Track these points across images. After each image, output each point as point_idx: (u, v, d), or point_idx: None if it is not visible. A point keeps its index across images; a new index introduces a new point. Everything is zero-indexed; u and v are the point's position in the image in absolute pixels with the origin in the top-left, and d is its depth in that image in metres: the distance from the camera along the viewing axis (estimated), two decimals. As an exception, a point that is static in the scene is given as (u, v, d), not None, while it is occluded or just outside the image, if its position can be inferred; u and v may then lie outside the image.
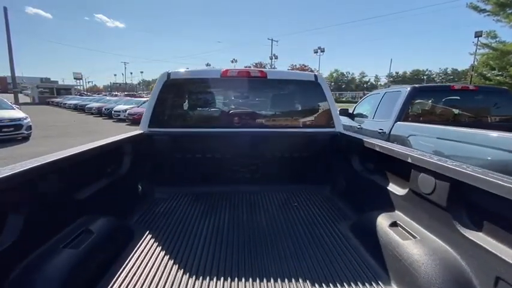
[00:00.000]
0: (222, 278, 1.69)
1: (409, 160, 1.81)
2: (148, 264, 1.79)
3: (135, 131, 2.93)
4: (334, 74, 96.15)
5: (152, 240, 2.10)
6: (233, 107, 3.50)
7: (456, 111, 4.88)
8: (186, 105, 3.31)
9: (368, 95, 7.56)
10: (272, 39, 51.22)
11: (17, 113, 10.82)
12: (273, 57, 49.35)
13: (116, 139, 2.38)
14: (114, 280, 1.61)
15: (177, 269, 1.76)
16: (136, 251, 1.94)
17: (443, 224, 1.55)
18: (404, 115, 4.75)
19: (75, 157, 1.79)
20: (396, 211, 2.00)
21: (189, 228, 2.31)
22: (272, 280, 1.69)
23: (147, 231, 2.23)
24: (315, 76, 3.20)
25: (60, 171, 1.63)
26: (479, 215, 1.37)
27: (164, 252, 1.95)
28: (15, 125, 10.16)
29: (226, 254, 1.94)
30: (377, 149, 2.23)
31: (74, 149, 1.87)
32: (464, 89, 5.02)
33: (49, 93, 41.91)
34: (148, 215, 2.55)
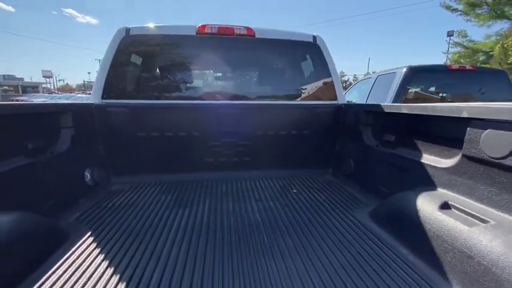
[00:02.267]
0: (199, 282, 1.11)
1: (465, 114, 1.28)
2: (83, 276, 1.12)
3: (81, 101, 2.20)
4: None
5: (95, 243, 1.41)
6: (214, 73, 2.83)
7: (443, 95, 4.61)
8: (152, 71, 2.59)
9: (358, 80, 7.19)
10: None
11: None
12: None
13: (43, 103, 1.66)
14: None
15: (121, 276, 1.12)
16: (66, 260, 1.25)
17: None
18: (400, 99, 4.36)
19: None
20: (441, 189, 1.47)
21: (154, 223, 1.64)
22: (274, 280, 1.14)
23: (90, 232, 1.54)
24: (314, 37, 2.63)
25: None
26: None
27: (107, 256, 1.28)
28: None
29: (206, 251, 1.31)
30: (405, 111, 1.70)
31: None
32: (461, 69, 4.72)
33: (13, 91, 38.75)
34: (97, 210, 1.85)
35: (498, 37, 17.58)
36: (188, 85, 2.60)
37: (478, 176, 1.26)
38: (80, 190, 2.00)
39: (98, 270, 1.20)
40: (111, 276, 1.16)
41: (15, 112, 1.47)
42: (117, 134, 2.32)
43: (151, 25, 2.42)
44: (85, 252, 1.33)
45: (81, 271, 1.19)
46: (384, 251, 1.37)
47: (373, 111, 2.19)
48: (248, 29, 2.48)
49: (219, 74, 3.03)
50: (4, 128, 1.42)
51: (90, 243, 1.41)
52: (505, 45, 14.22)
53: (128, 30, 2.35)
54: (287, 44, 2.61)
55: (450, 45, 23.20)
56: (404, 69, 4.56)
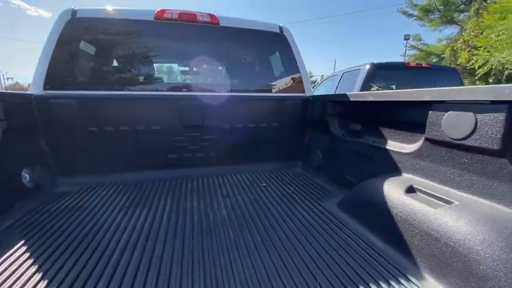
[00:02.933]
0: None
1: (427, 98, 1.29)
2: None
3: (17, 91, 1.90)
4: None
5: (29, 253, 1.19)
6: (175, 63, 2.64)
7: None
8: (105, 58, 2.33)
9: (325, 78, 7.38)
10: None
11: None
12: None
13: None
14: None
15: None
16: None
17: (495, 177, 1.04)
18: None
19: None
20: (406, 174, 1.47)
21: (105, 227, 1.45)
22: (240, 278, 1.04)
23: (23, 241, 1.30)
24: (280, 28, 2.57)
25: None
26: None
27: (42, 267, 1.08)
28: None
29: (163, 256, 1.16)
30: (371, 99, 1.69)
31: None
32: (418, 66, 5.04)
33: None
34: (36, 215, 1.59)
35: (448, 41, 19.31)
36: (146, 75, 2.39)
37: (440, 159, 1.27)
38: (15, 193, 1.72)
39: (29, 283, 1.00)
40: (48, 285, 0.97)
41: None
42: (64, 128, 2.05)
43: (103, 8, 2.18)
44: (15, 264, 1.11)
45: (7, 286, 0.98)
46: (353, 239, 1.33)
47: (339, 101, 2.19)
48: (212, 16, 2.34)
49: (181, 64, 2.84)
50: None
51: (22, 254, 1.19)
52: (455, 48, 15.61)
53: (74, 12, 2.09)
54: (253, 33, 2.51)
55: (407, 48, 25.00)
56: (368, 66, 4.76)
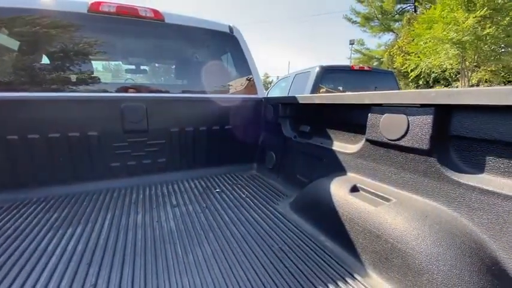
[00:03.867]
0: None
1: (367, 101, 1.36)
2: None
3: None
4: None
5: None
6: (114, 61, 2.39)
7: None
8: (28, 54, 1.99)
9: (279, 79, 7.56)
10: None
11: None
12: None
13: None
14: None
15: None
16: None
17: (425, 175, 1.13)
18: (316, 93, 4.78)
19: None
20: (350, 173, 1.54)
21: (26, 253, 1.22)
22: None
23: None
24: (230, 28, 2.51)
25: None
26: (481, 148, 0.99)
27: None
28: None
29: (98, 278, 1.01)
30: (317, 102, 1.75)
31: None
32: (361, 69, 5.48)
33: None
34: None
35: (386, 46, 21.51)
36: (80, 74, 2.12)
37: (379, 158, 1.35)
38: None
39: None
40: None
41: None
42: None
43: None
44: None
45: None
46: (304, 241, 1.35)
47: (290, 103, 2.23)
48: (156, 12, 2.18)
49: (124, 62, 2.60)
50: None
51: None
52: (391, 53, 17.44)
53: None
54: (202, 32, 2.41)
55: (352, 52, 27.18)
56: (317, 69, 5.01)
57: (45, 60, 2.07)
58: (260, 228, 1.49)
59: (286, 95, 5.55)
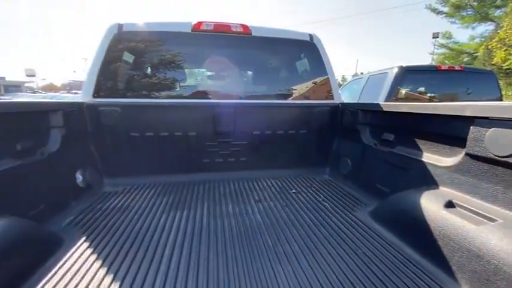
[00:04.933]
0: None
1: (468, 113, 1.28)
2: (73, 282, 1.06)
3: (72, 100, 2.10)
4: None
5: (90, 249, 1.34)
6: (209, 72, 2.76)
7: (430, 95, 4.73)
8: (145, 69, 2.50)
9: (349, 81, 7.27)
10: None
11: None
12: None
13: (34, 101, 1.57)
14: None
15: (121, 284, 1.05)
16: (58, 268, 1.18)
17: None
18: (391, 99, 4.43)
19: None
20: (443, 188, 1.47)
21: (152, 226, 1.58)
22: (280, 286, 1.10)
23: (84, 237, 1.46)
24: (310, 36, 2.61)
25: None
26: None
27: (104, 264, 1.22)
28: None
29: (209, 256, 1.26)
30: (405, 110, 1.70)
31: None
32: (450, 69, 4.84)
33: (-6, 91, 37.43)
34: (90, 213, 1.76)
35: (482, 39, 18.17)
36: (183, 84, 2.53)
37: (482, 175, 1.26)
38: (71, 192, 1.91)
39: (96, 278, 1.13)
40: (111, 284, 1.10)
41: (2, 111, 1.37)
42: (110, 133, 2.23)
43: (145, 21, 2.34)
44: (80, 260, 1.26)
45: (77, 279, 1.12)
46: (388, 251, 1.36)
47: (371, 110, 2.19)
48: (244, 26, 2.43)
49: (215, 73, 2.96)
50: None
51: (85, 250, 1.34)
52: (489, 47, 14.69)
53: (120, 26, 2.26)
54: (283, 42, 2.58)
55: (436, 47, 23.85)
56: (396, 70, 4.63)
57: (158, 72, 2.54)
58: (341, 232, 1.55)
59: (358, 99, 5.33)
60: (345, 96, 6.27)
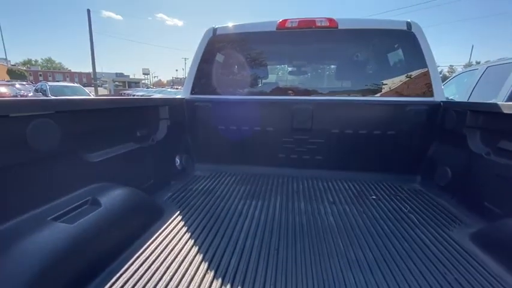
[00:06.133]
0: (269, 279, 1.13)
1: None
2: (173, 251, 1.31)
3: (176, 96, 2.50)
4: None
5: (183, 222, 1.61)
6: (292, 69, 2.79)
7: None
8: (234, 68, 2.74)
9: (457, 73, 6.03)
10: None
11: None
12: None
13: (149, 98, 1.96)
14: (121, 271, 1.14)
15: (208, 260, 1.25)
16: (160, 234, 1.47)
17: None
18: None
19: (88, 104, 1.37)
20: None
21: (231, 211, 1.77)
22: None
23: (179, 211, 1.76)
24: (408, 24, 2.30)
25: (61, 118, 1.21)
26: None
27: (194, 238, 1.44)
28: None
29: (279, 247, 1.32)
30: None
31: (92, 97, 1.47)
32: None
33: (122, 86, 47.98)
34: (184, 192, 2.10)
35: None
36: (265, 81, 2.65)
37: None
38: (171, 173, 2.31)
39: (185, 247, 1.36)
40: (196, 253, 1.30)
41: (130, 106, 1.77)
42: (201, 125, 2.57)
43: (234, 24, 2.55)
44: (176, 229, 1.53)
45: (174, 243, 1.37)
46: (489, 281, 1.12)
47: (486, 111, 1.79)
48: (331, 20, 2.34)
49: (299, 69, 2.97)
50: (123, 116, 1.74)
51: (179, 222, 1.62)
52: None
53: (215, 30, 2.54)
54: (376, 33, 2.36)
55: None
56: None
57: (246, 71, 2.74)
58: (428, 249, 1.36)
59: (469, 96, 4.39)
60: (450, 92, 5.25)
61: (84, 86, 16.39)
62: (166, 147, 2.21)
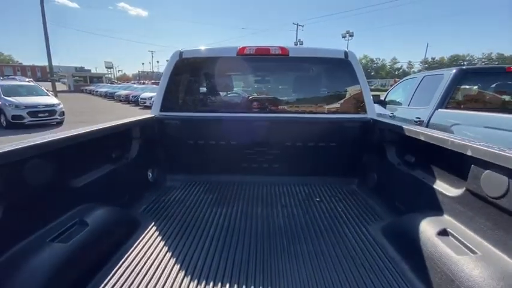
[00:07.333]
0: (228, 276, 1.49)
1: (469, 153, 1.41)
2: (151, 258, 1.62)
3: (146, 115, 2.74)
4: (363, 61, 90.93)
5: (158, 232, 1.91)
6: (250, 89, 3.16)
7: (507, 97, 4.26)
8: (199, 88, 3.04)
9: (403, 79, 6.85)
10: (297, 24, 49.06)
11: (51, 99, 11.40)
12: (298, 42, 47.25)
13: (122, 122, 2.20)
14: (108, 277, 1.43)
15: (180, 264, 1.57)
16: (138, 244, 1.76)
17: None
18: (447, 102, 4.18)
19: (70, 140, 1.61)
20: (445, 216, 1.61)
21: (199, 219, 2.11)
22: (285, 281, 1.46)
23: (154, 222, 2.05)
24: (345, 53, 2.76)
25: (50, 156, 1.45)
26: None
27: (168, 246, 1.76)
28: (50, 110, 10.70)
29: (236, 250, 1.70)
30: (422, 138, 1.82)
31: (71, 131, 1.70)
32: (521, 71, 4.26)
33: (83, 82, 44.55)
34: (157, 203, 2.38)
35: None
36: (228, 100, 2.99)
37: (477, 210, 1.39)
38: (144, 186, 2.57)
39: (161, 253, 1.68)
40: (170, 257, 1.62)
41: (106, 133, 2.00)
42: (172, 140, 2.84)
43: (199, 48, 2.83)
44: (152, 238, 1.83)
45: (151, 250, 1.68)
46: (385, 265, 1.60)
47: (396, 131, 2.30)
48: (282, 48, 2.73)
49: (256, 90, 3.35)
50: (98, 143, 1.97)
51: (155, 231, 1.92)
52: None
53: (181, 53, 2.80)
54: (320, 61, 2.80)
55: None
56: (454, 71, 4.32)
57: (209, 91, 3.04)
58: (348, 243, 1.82)
59: (410, 100, 5.13)
60: (399, 95, 6.02)
61: (39, 81, 15.12)
62: (139, 163, 2.47)
